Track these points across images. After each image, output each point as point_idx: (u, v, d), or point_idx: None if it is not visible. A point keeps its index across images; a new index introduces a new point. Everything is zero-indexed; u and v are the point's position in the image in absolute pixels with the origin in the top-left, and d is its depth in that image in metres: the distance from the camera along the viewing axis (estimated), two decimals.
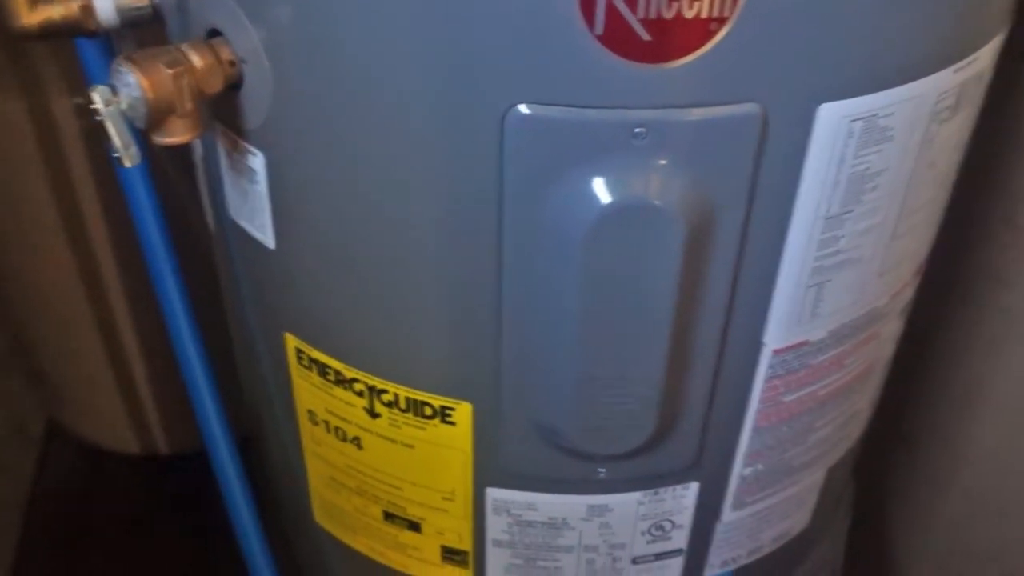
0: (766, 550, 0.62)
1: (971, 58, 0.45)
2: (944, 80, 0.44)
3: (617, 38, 0.37)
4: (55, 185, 1.00)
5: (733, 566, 0.61)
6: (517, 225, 0.43)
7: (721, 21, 0.37)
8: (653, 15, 0.37)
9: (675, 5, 0.37)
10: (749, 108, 0.40)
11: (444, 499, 0.55)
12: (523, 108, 0.39)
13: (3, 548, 1.26)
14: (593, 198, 0.41)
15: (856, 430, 0.62)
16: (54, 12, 0.47)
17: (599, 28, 0.37)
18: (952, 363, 0.80)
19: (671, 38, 0.38)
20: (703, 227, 0.43)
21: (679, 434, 0.51)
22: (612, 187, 0.41)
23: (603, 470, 0.52)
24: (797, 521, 0.63)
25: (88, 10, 0.47)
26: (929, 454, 0.84)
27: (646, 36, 0.37)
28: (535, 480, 0.53)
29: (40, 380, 1.30)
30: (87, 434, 1.31)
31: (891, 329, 0.57)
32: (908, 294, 0.57)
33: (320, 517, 0.64)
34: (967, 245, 0.75)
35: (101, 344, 1.19)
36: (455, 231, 0.44)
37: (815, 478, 0.61)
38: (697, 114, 0.40)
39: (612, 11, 0.37)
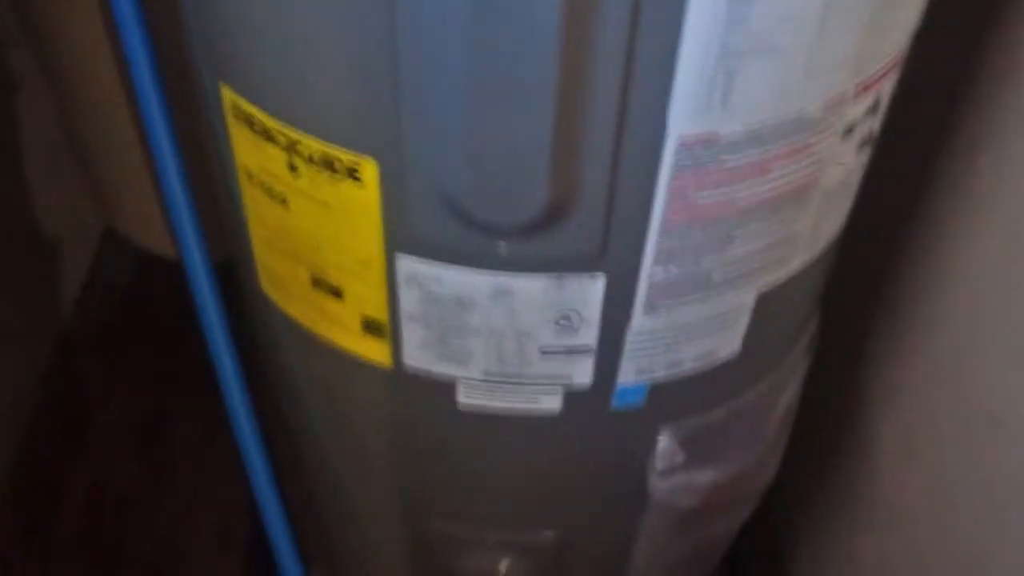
0: (687, 367, 0.62)
1: None
2: None
3: None
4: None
5: (649, 378, 0.61)
6: None
7: None
8: None
9: None
10: None
11: (360, 264, 0.57)
12: None
13: (47, 334, 1.36)
14: None
15: (793, 257, 0.60)
16: None
17: None
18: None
19: None
20: None
21: (580, 215, 0.51)
22: None
23: (504, 244, 0.52)
24: (723, 344, 0.62)
25: None
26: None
27: None
28: (440, 250, 0.54)
29: (98, 186, 1.37)
30: (136, 239, 1.38)
31: (832, 149, 0.55)
32: (853, 115, 0.54)
33: (264, 284, 0.67)
34: None
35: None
36: None
37: (742, 300, 0.60)
38: None
39: None
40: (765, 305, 0.61)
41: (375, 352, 0.62)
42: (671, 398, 0.64)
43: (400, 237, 0.54)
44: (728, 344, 0.62)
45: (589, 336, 0.57)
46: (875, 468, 0.92)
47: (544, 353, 0.58)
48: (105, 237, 1.45)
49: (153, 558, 1.24)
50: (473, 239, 0.52)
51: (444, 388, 0.62)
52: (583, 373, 0.60)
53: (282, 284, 0.64)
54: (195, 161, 0.72)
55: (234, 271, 0.73)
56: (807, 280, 0.65)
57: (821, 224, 0.60)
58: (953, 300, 0.80)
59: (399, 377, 0.63)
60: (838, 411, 0.97)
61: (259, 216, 0.62)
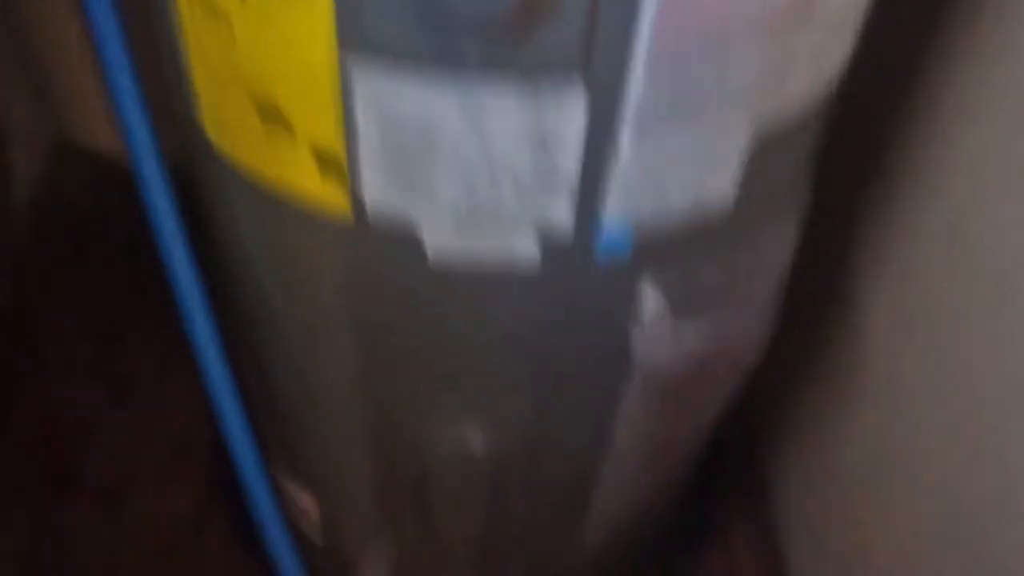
0: (675, 211, 0.56)
1: None
2: None
3: None
4: None
5: (635, 220, 0.56)
6: None
7: None
8: None
9: None
10: None
11: (310, 81, 0.51)
12: None
13: (4, 251, 1.29)
14: None
15: (793, 87, 0.55)
16: None
17: None
18: None
19: None
20: None
21: (560, 10, 0.45)
22: None
23: (473, 44, 0.46)
24: (713, 187, 0.57)
25: None
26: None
27: None
28: (401, 55, 0.48)
29: (47, 92, 1.29)
30: (90, 143, 1.31)
31: None
32: None
33: (209, 127, 0.60)
34: None
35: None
36: None
37: (736, 137, 0.54)
38: None
39: None
40: (758, 151, 0.56)
41: (332, 196, 0.56)
42: (658, 251, 0.59)
43: (355, 42, 0.48)
44: (718, 187, 0.57)
45: (569, 164, 0.52)
46: (868, 342, 0.87)
47: (519, 184, 0.53)
48: (57, 151, 1.37)
49: (108, 479, 1.18)
50: (438, 40, 0.47)
51: (410, 241, 0.56)
52: (562, 209, 0.54)
53: (229, 125, 0.58)
54: (147, 58, 0.67)
55: (182, 136, 0.67)
56: (801, 131, 0.60)
57: (819, 57, 0.55)
58: (955, 157, 0.75)
59: (361, 230, 0.57)
60: (829, 284, 0.93)
61: (201, 46, 0.55)
